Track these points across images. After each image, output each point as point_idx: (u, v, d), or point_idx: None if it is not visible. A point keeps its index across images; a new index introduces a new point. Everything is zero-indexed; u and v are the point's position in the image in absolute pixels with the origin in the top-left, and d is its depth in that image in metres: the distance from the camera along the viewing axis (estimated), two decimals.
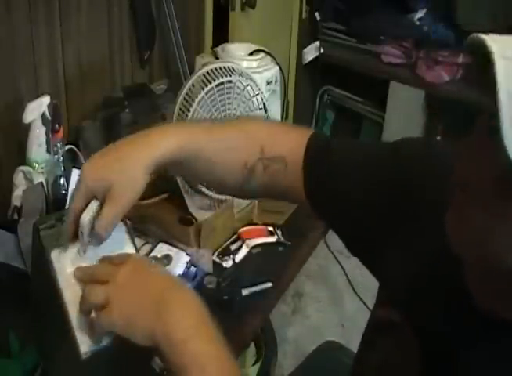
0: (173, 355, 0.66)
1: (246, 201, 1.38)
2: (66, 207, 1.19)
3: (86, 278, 0.73)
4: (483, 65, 0.50)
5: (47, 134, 1.28)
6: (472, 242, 0.57)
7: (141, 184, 0.75)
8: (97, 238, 0.74)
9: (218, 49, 1.57)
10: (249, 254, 1.33)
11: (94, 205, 0.73)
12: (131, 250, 0.79)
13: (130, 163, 0.74)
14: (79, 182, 0.74)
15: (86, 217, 0.73)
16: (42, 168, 1.29)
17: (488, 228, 0.54)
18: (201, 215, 1.30)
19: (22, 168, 1.28)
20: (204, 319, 0.70)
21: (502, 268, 0.56)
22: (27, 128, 1.29)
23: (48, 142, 1.28)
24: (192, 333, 0.67)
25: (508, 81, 0.48)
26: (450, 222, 0.59)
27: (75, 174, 1.23)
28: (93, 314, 0.72)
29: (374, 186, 0.79)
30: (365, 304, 2.20)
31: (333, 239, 2.75)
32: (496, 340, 0.62)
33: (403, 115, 2.58)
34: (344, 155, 0.85)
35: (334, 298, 2.42)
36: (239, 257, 1.31)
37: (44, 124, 1.28)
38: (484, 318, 0.63)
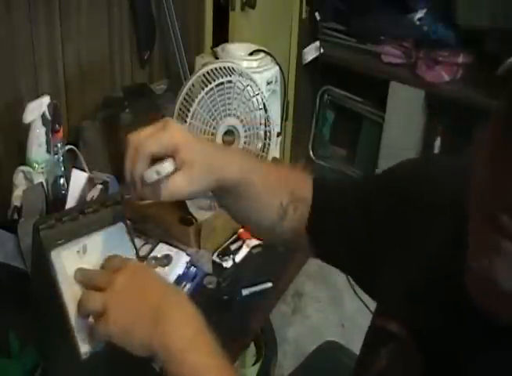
0: (171, 364, 0.66)
1: None
2: (67, 207, 1.19)
3: (85, 281, 0.73)
4: None
5: (47, 134, 1.28)
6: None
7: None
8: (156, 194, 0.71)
9: (218, 49, 1.57)
10: (249, 254, 1.33)
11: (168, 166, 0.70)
12: (131, 250, 0.79)
13: None
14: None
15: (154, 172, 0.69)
16: (42, 168, 1.29)
17: None
18: (201, 215, 1.30)
19: (22, 168, 1.28)
20: (202, 329, 0.70)
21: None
22: (27, 128, 1.29)
23: (48, 142, 1.28)
24: (190, 343, 0.67)
25: None
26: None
27: (75, 174, 1.23)
28: (91, 319, 0.72)
29: (370, 206, 0.82)
30: (365, 304, 2.20)
31: None
32: (499, 344, 0.62)
33: (403, 115, 2.58)
34: (343, 187, 0.91)
35: (334, 298, 2.42)
36: (239, 257, 1.31)
37: (44, 124, 1.28)
38: (485, 322, 0.62)
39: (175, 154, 0.70)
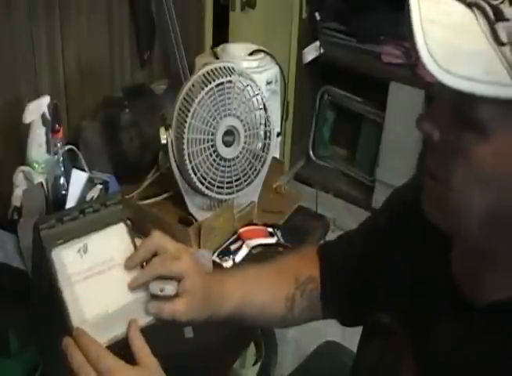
0: None
1: (247, 201, 1.38)
2: (67, 207, 1.19)
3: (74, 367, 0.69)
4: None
5: (47, 134, 1.28)
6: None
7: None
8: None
9: (218, 49, 1.57)
10: (249, 254, 1.33)
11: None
12: (131, 250, 0.79)
13: None
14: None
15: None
16: (42, 168, 1.29)
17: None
18: (201, 215, 1.30)
19: (22, 168, 1.28)
20: None
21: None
22: (27, 128, 1.29)
23: (48, 142, 1.28)
24: None
25: (418, 8, 0.54)
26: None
27: (75, 174, 1.23)
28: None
29: (371, 235, 0.90)
30: None
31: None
32: (486, 332, 0.64)
33: (403, 115, 2.57)
34: (347, 240, 0.99)
35: None
36: (239, 257, 1.31)
37: (44, 124, 1.28)
38: (472, 309, 0.66)
39: (180, 281, 0.78)
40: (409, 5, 0.54)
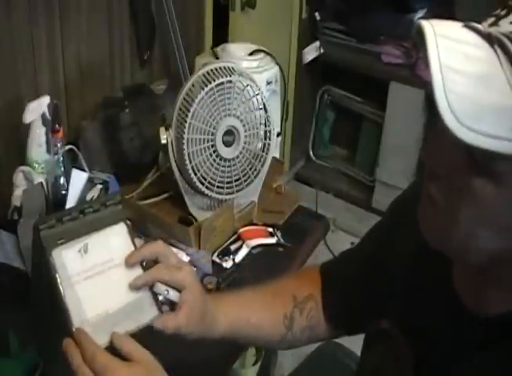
0: None
1: (247, 201, 1.38)
2: (67, 207, 1.19)
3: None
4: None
5: (47, 134, 1.28)
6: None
7: None
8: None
9: (218, 49, 1.57)
10: (249, 254, 1.33)
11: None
12: (131, 250, 0.79)
13: None
14: None
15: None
16: (42, 168, 1.29)
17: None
18: (201, 215, 1.30)
19: (22, 168, 1.28)
20: None
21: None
22: (27, 128, 1.29)
23: (48, 142, 1.28)
24: None
25: (436, 53, 0.49)
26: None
27: (75, 174, 1.23)
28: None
29: (372, 242, 0.89)
30: None
31: (333, 239, 2.75)
32: (486, 341, 0.63)
33: (403, 115, 2.58)
34: (348, 256, 0.96)
35: None
36: (239, 257, 1.31)
37: (44, 124, 1.28)
38: (474, 321, 0.64)
39: (182, 291, 0.78)
40: (424, 39, 0.50)
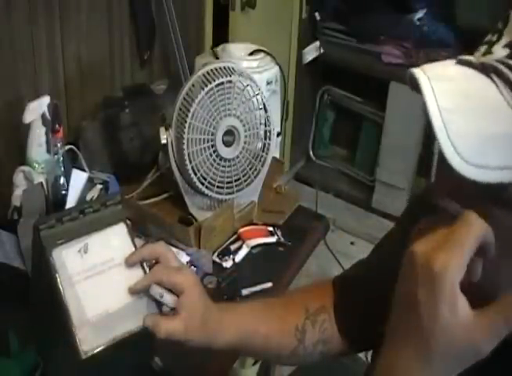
0: None
1: (247, 201, 1.38)
2: (67, 207, 1.19)
3: None
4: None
5: (47, 134, 1.28)
6: None
7: None
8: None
9: (218, 49, 1.57)
10: (249, 254, 1.33)
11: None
12: (131, 250, 0.79)
13: None
14: None
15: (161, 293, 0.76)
16: (42, 168, 1.29)
17: None
18: (201, 215, 1.30)
19: (22, 168, 1.28)
20: None
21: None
22: (27, 128, 1.29)
23: (48, 142, 1.28)
24: None
25: (434, 98, 0.48)
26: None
27: (75, 174, 1.23)
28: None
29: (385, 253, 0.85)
30: None
31: (333, 239, 2.75)
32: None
33: (403, 115, 2.58)
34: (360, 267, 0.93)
35: None
36: (239, 257, 1.31)
37: (44, 124, 1.28)
38: None
39: (180, 295, 0.76)
40: (420, 86, 0.49)
